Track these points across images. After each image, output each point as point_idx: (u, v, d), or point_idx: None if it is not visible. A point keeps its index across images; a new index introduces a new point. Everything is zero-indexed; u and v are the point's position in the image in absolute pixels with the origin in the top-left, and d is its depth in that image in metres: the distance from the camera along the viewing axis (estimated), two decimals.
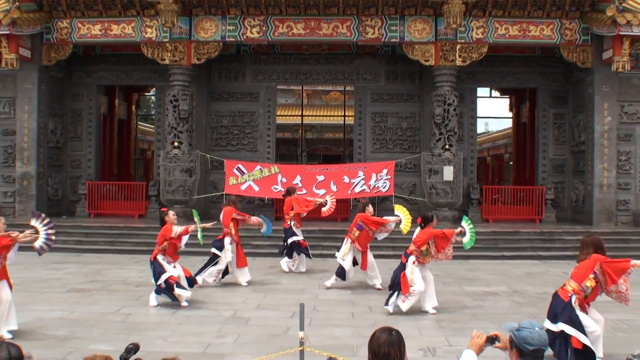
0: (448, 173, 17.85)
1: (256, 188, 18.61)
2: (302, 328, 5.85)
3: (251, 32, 18.31)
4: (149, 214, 19.74)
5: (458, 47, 18.01)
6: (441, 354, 7.41)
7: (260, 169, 18.75)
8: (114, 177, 22.88)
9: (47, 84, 19.41)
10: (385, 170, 18.58)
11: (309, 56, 20.95)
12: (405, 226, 11.24)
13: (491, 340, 3.70)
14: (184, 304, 9.96)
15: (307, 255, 13.50)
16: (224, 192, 18.75)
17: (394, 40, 18.30)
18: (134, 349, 3.49)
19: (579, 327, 6.80)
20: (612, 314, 9.61)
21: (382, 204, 19.70)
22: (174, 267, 10.21)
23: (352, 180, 18.55)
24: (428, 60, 18.15)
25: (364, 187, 18.55)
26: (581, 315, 6.90)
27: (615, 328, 8.74)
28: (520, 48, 19.71)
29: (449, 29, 17.43)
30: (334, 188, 18.28)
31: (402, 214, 11.29)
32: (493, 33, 18.05)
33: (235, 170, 18.69)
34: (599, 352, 7.01)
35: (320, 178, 18.61)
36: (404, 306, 9.47)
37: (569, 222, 19.48)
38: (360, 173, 18.62)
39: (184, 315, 9.35)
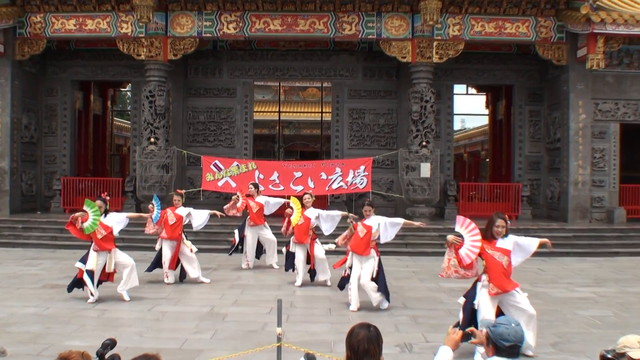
0: (425, 170, 17.93)
1: (233, 184, 18.50)
2: (279, 324, 5.84)
3: (228, 28, 18.22)
4: (125, 209, 19.49)
5: (435, 44, 18.09)
6: (418, 350, 7.44)
7: (238, 165, 18.68)
8: (90, 173, 22.65)
9: (21, 79, 19.15)
10: (362, 167, 18.58)
11: (286, 52, 20.91)
12: (294, 218, 11.64)
13: (467, 336, 3.72)
14: (91, 299, 9.84)
15: (229, 252, 13.87)
16: (200, 188, 18.69)
17: (370, 36, 18.33)
18: (110, 344, 3.46)
19: (469, 298, 7.31)
20: (585, 310, 9.75)
21: (360, 201, 19.73)
22: (107, 256, 10.24)
23: (330, 177, 18.53)
24: (405, 57, 18.21)
25: (342, 183, 18.54)
26: (481, 293, 7.16)
27: (589, 324, 8.83)
28: (497, 45, 19.86)
29: (425, 26, 17.52)
30: (311, 184, 18.26)
31: (294, 206, 11.71)
32: (469, 30, 18.15)
33: (212, 167, 18.60)
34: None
35: (298, 174, 18.57)
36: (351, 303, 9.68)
37: (544, 219, 19.68)
38: (338, 169, 18.60)
39: (160, 312, 9.30)
